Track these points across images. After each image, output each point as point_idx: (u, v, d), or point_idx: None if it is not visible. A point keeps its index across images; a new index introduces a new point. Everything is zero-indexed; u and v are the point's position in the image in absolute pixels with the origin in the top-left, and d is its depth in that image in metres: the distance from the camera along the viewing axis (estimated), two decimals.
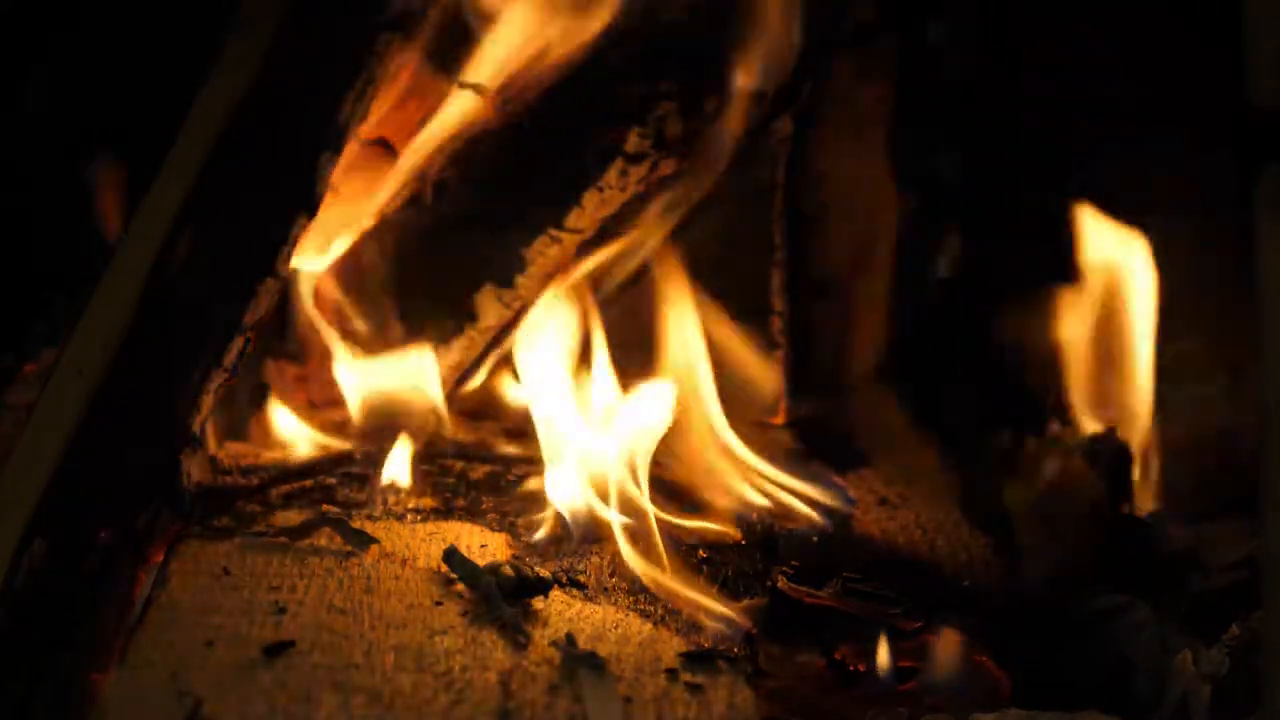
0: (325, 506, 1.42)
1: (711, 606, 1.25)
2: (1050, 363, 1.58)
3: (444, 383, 1.58)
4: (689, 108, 1.53)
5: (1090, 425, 1.56)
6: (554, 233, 1.54)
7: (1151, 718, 1.24)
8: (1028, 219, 1.62)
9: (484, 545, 1.36)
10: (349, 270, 1.60)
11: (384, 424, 1.52)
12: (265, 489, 1.45)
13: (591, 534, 1.35)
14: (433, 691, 1.10)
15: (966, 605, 1.32)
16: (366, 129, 1.50)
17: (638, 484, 1.35)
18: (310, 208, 1.38)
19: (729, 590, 1.30)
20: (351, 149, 1.46)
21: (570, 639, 1.17)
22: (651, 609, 1.26)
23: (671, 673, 1.15)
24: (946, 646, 1.24)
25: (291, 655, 1.13)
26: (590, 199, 1.52)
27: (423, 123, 1.55)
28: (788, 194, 1.62)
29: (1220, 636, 1.24)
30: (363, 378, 1.55)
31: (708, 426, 1.48)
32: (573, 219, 1.53)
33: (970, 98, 1.61)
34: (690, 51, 1.53)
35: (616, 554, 1.32)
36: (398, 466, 1.48)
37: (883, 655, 1.22)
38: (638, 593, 1.28)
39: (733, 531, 1.41)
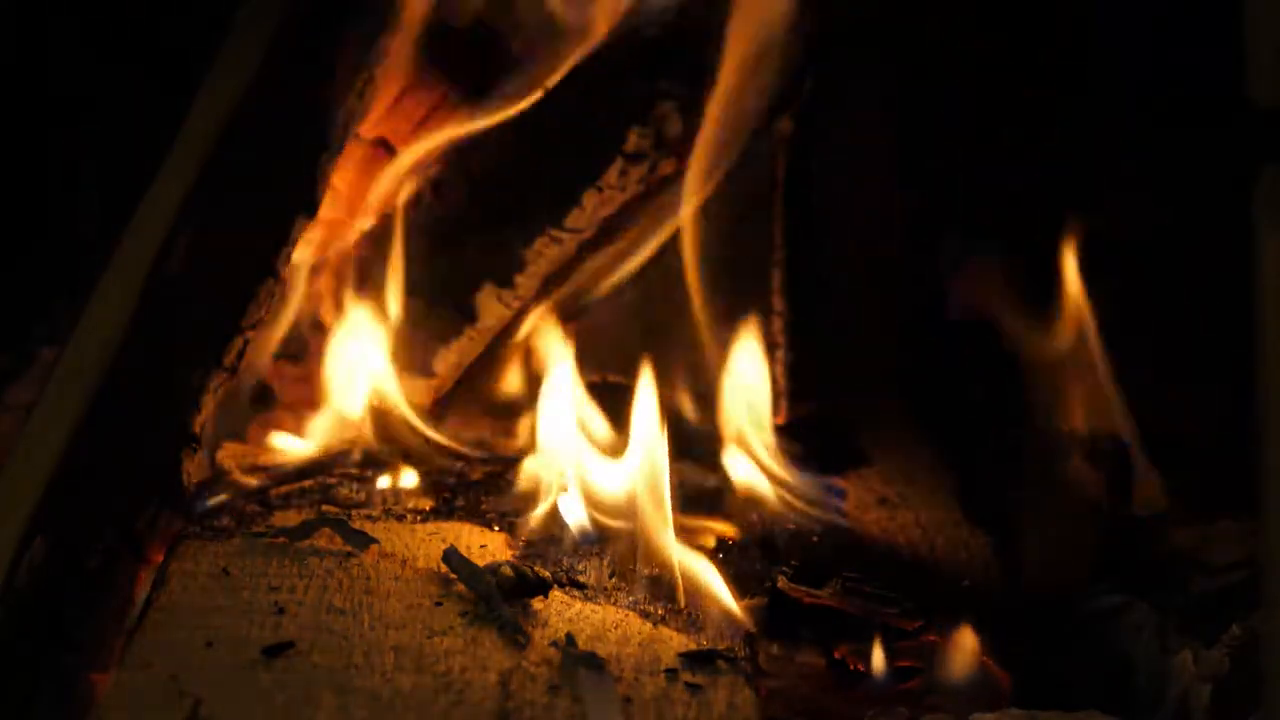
0: (325, 506, 1.42)
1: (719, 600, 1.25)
2: (1049, 363, 1.58)
3: (444, 382, 1.58)
4: (689, 108, 1.53)
5: (1089, 425, 1.56)
6: (554, 233, 1.54)
7: (1151, 718, 1.24)
8: (1028, 220, 1.61)
9: (484, 545, 1.36)
10: (348, 270, 1.60)
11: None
12: (265, 489, 1.45)
13: (594, 535, 1.35)
14: (433, 692, 1.10)
15: (966, 605, 1.32)
16: (366, 128, 1.50)
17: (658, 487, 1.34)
18: (310, 208, 1.38)
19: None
20: (351, 149, 1.46)
21: (570, 639, 1.17)
22: (651, 609, 1.25)
23: (671, 673, 1.15)
24: (958, 646, 1.24)
25: (291, 656, 1.13)
26: (590, 199, 1.53)
27: (423, 122, 1.55)
28: (788, 194, 1.62)
29: (1220, 636, 1.24)
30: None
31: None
32: (573, 219, 1.53)
33: (972, 99, 1.61)
34: (690, 51, 1.53)
35: (616, 554, 1.32)
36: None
37: (877, 656, 1.22)
38: (638, 593, 1.28)
39: (733, 531, 1.41)
